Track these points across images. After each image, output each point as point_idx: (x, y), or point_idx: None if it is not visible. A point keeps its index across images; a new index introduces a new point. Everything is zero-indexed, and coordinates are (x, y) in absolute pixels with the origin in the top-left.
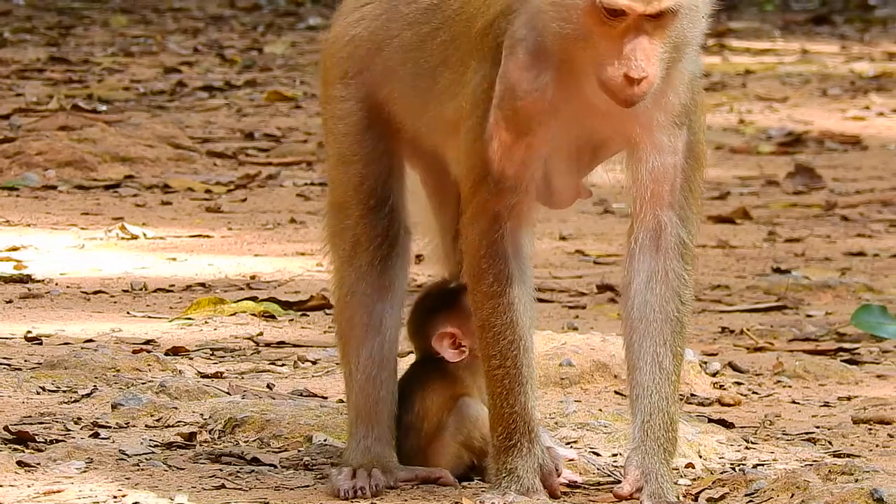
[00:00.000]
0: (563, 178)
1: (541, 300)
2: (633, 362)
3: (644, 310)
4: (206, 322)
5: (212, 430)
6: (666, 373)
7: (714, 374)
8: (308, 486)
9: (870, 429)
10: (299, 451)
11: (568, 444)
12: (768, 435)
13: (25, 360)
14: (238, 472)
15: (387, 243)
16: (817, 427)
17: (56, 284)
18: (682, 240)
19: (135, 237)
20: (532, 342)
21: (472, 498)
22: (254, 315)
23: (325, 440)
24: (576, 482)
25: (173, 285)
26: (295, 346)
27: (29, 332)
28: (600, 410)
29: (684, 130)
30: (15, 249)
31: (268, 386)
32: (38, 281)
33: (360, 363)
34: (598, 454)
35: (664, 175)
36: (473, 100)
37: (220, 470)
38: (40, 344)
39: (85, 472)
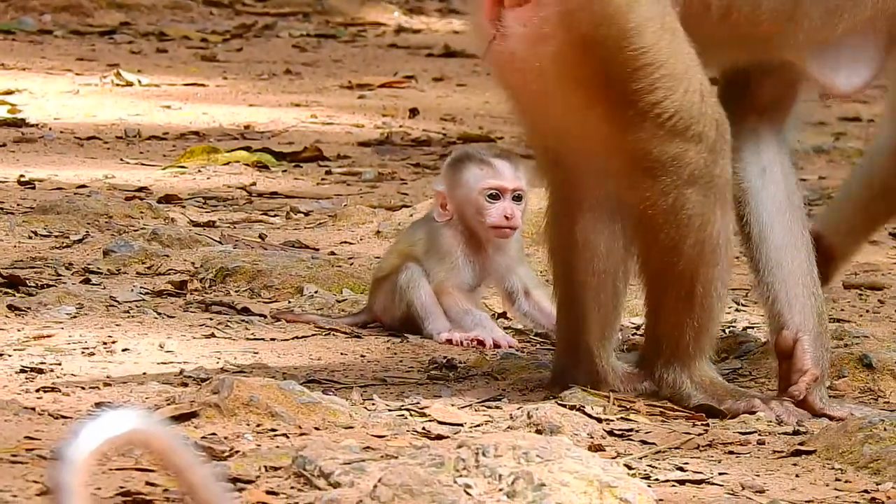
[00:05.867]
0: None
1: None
2: (773, 245)
3: (775, 197)
4: (199, 171)
5: (203, 278)
6: (811, 256)
7: None
8: (297, 337)
9: (860, 294)
10: (290, 302)
11: None
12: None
13: (18, 205)
14: (228, 321)
15: None
16: None
17: (50, 129)
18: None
19: (129, 84)
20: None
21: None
22: (247, 165)
23: (315, 292)
24: None
25: (167, 133)
26: (287, 196)
27: (22, 176)
28: None
29: None
30: (9, 93)
31: (260, 236)
32: (32, 125)
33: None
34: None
35: None
36: None
37: (211, 319)
38: (33, 188)
39: (75, 317)
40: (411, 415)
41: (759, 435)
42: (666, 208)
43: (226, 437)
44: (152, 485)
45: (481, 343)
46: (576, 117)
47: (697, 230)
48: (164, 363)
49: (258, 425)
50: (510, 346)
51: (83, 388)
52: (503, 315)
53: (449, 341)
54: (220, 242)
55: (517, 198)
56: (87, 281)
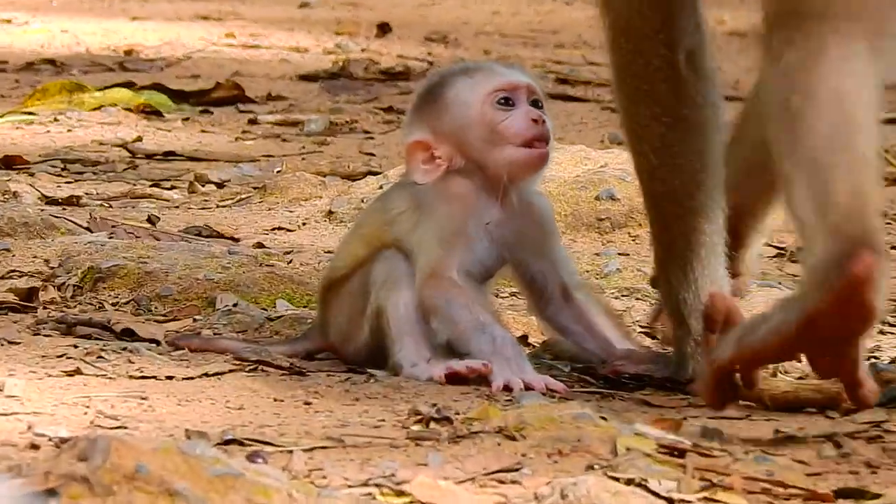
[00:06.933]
0: None
1: (569, 98)
2: None
3: None
4: (55, 119)
5: (62, 285)
6: None
7: None
8: (208, 374)
9: None
10: (195, 320)
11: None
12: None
13: None
14: (102, 350)
15: None
16: None
17: None
18: None
19: None
20: None
21: None
22: (129, 110)
23: (234, 304)
24: None
25: (6, 62)
26: (191, 159)
27: None
28: None
29: None
30: None
31: (149, 219)
32: None
33: None
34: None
35: None
36: None
37: (75, 347)
38: None
39: None
40: (383, 493)
41: None
42: None
43: None
44: None
45: (507, 389)
46: None
47: None
48: (5, 414)
49: None
50: (551, 391)
51: None
52: (524, 339)
53: (454, 374)
54: (88, 229)
55: (536, 103)
56: None
